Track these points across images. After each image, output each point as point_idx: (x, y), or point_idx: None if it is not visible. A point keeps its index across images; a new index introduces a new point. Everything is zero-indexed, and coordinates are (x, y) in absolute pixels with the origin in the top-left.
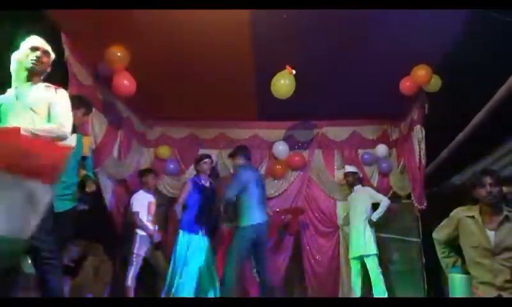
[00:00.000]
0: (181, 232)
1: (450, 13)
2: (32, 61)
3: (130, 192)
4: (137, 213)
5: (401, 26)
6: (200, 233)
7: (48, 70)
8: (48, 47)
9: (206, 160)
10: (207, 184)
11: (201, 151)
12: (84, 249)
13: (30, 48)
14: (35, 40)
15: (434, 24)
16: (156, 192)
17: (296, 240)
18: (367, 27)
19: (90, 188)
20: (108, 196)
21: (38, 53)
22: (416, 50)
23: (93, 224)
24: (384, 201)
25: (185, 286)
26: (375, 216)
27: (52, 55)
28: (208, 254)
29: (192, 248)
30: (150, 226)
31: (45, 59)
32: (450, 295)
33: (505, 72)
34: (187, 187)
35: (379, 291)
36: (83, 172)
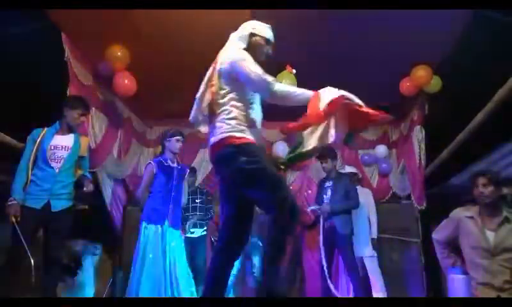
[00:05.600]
0: (143, 224)
1: (450, 13)
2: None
3: (130, 192)
4: None
5: (401, 26)
6: (166, 224)
7: None
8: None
9: (179, 137)
10: (175, 165)
11: (202, 152)
12: (84, 249)
13: (267, 39)
14: (270, 32)
15: (434, 24)
16: None
17: (295, 240)
18: (367, 28)
19: (88, 188)
20: (108, 196)
21: (269, 49)
22: (416, 50)
23: (93, 223)
24: (373, 217)
25: (138, 287)
26: (374, 235)
27: None
28: (177, 250)
29: (153, 242)
30: None
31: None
32: (450, 296)
33: (505, 73)
34: (150, 169)
35: (379, 291)
36: (79, 172)
